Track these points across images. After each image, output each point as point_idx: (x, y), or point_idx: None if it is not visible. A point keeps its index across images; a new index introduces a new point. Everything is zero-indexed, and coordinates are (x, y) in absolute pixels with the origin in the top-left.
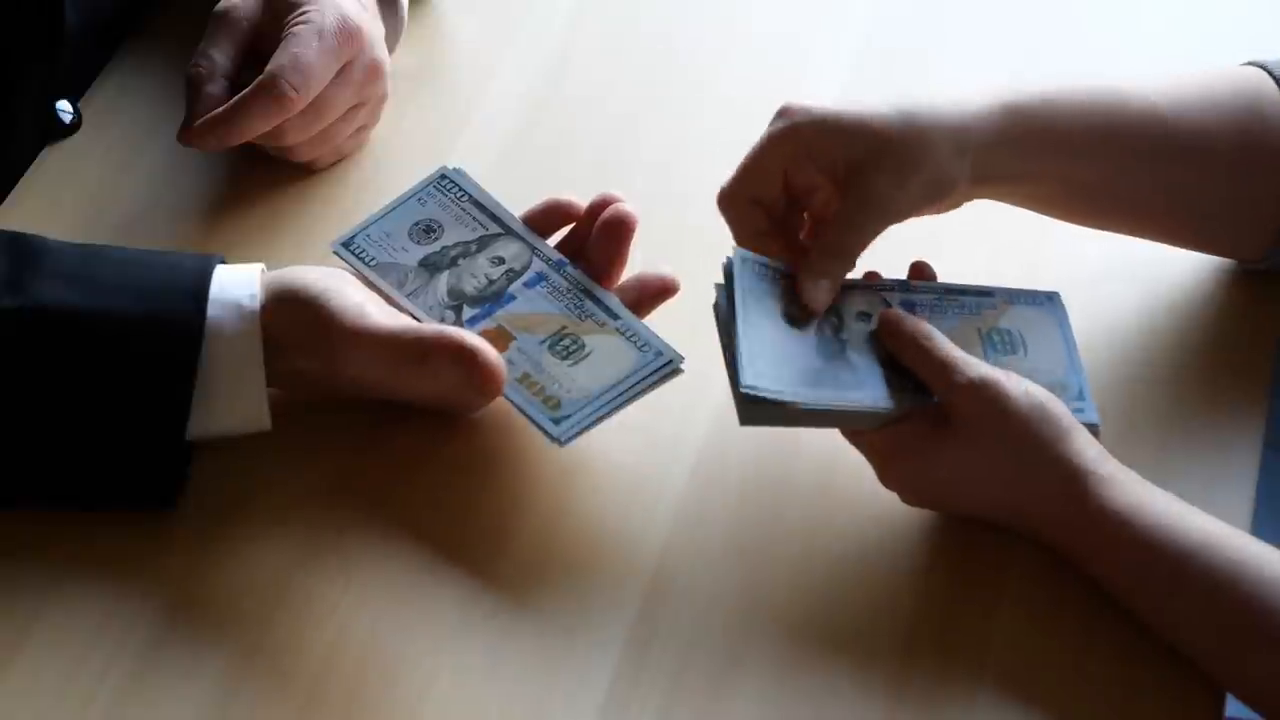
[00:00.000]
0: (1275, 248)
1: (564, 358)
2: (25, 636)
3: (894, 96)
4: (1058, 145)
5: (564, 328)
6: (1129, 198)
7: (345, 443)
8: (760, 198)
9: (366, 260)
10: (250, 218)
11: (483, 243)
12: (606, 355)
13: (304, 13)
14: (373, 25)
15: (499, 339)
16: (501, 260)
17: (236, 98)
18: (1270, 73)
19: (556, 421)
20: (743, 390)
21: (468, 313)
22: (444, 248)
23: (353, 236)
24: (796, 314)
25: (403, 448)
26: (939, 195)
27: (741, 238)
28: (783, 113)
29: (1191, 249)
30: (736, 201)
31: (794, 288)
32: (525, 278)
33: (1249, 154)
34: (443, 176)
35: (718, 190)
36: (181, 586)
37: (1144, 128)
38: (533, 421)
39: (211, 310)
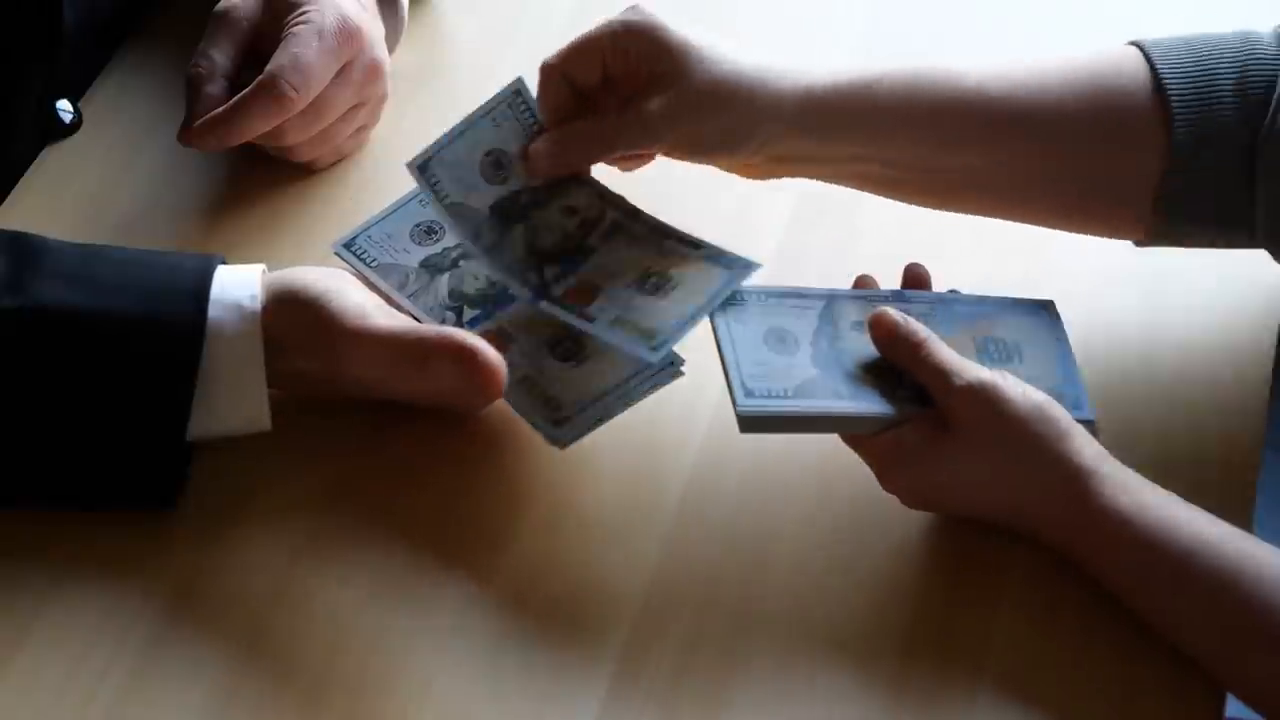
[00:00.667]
0: (1160, 225)
1: (564, 360)
2: (25, 636)
3: (738, 51)
4: (863, 127)
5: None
6: (968, 179)
7: (345, 443)
8: (576, 79)
9: (368, 261)
10: (250, 218)
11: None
12: (606, 358)
13: (304, 13)
14: (372, 25)
15: (498, 341)
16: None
17: (236, 98)
18: (1143, 50)
19: (556, 424)
20: (739, 411)
21: (468, 314)
22: (445, 249)
23: (354, 238)
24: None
25: (403, 448)
26: (711, 149)
27: (546, 111)
28: (632, 7)
29: (1070, 230)
30: (552, 76)
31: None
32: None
33: (1102, 130)
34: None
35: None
36: (181, 586)
37: (970, 107)
38: (532, 424)
39: (212, 311)
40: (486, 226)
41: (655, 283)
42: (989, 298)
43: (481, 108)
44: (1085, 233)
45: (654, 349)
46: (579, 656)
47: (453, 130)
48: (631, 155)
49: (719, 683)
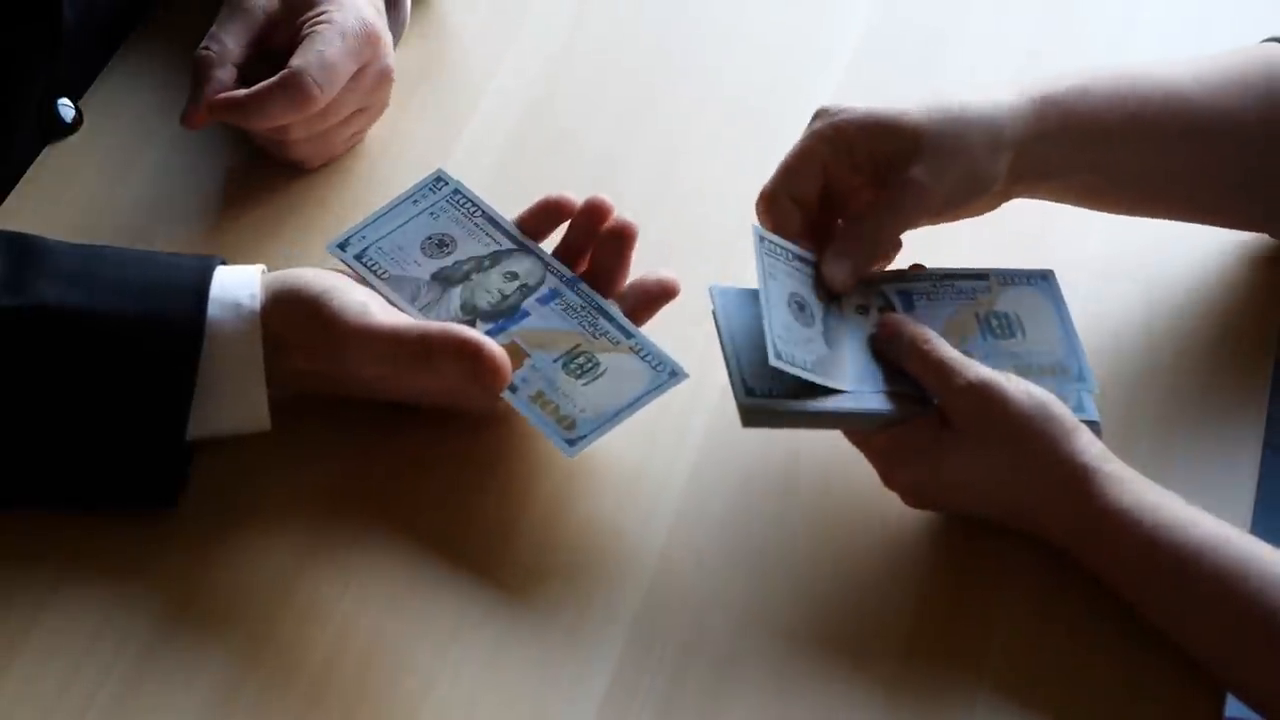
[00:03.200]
0: None
1: (578, 376)
2: (25, 637)
3: (928, 97)
4: (1094, 136)
5: (578, 345)
6: (1162, 182)
7: (345, 443)
8: (800, 196)
9: (378, 272)
10: (250, 218)
11: (496, 258)
12: (619, 373)
13: (324, 12)
14: (386, 32)
15: (513, 356)
16: (515, 275)
17: (258, 87)
18: None
19: (571, 442)
20: (741, 407)
21: (481, 327)
22: (457, 262)
23: (348, 238)
24: (807, 297)
25: (403, 448)
26: (976, 192)
27: (789, 235)
28: (821, 113)
29: (1220, 226)
30: (778, 200)
31: (801, 273)
32: (539, 294)
33: (1274, 129)
34: (439, 180)
35: (760, 190)
36: (181, 586)
37: (1173, 111)
38: (526, 413)
39: (212, 310)
40: (425, 289)
41: (581, 364)
42: (988, 270)
43: (408, 201)
44: (1233, 228)
45: (570, 443)
46: (579, 656)
47: (383, 219)
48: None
49: (718, 683)
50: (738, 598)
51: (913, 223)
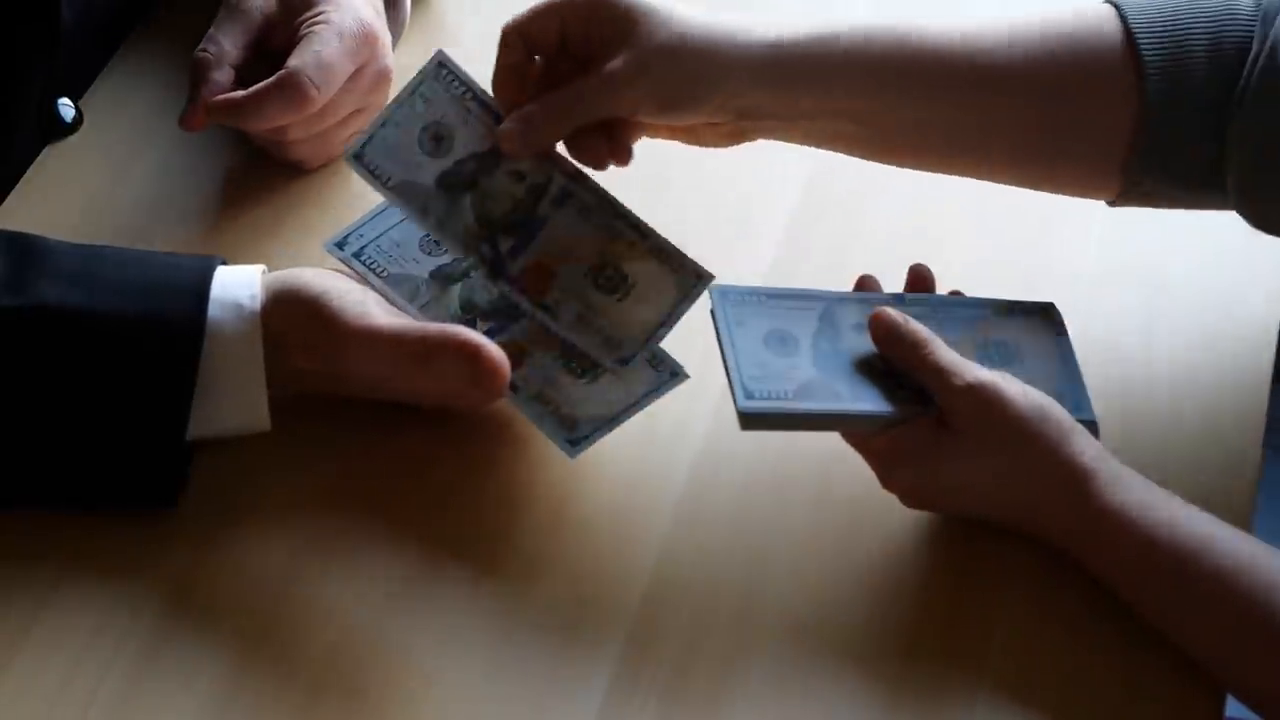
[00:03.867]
0: (1131, 182)
1: (580, 376)
2: (25, 637)
3: (709, 15)
4: (833, 83)
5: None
6: (928, 134)
7: (345, 443)
8: (535, 41)
9: (377, 271)
10: (250, 218)
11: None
12: (622, 374)
13: (321, 13)
14: (384, 32)
15: (513, 354)
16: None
17: (255, 88)
18: (1119, 9)
19: (573, 443)
20: (740, 410)
21: (481, 326)
22: (456, 259)
23: (346, 236)
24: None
25: (403, 448)
26: (678, 104)
27: (502, 72)
28: None
29: (1044, 189)
30: (511, 37)
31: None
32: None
33: (1072, 87)
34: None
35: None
36: (181, 586)
37: (932, 59)
38: (528, 413)
39: (212, 310)
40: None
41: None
42: (989, 300)
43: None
44: (1058, 192)
45: (573, 444)
46: (579, 656)
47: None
48: (612, 137)
49: (719, 683)
50: (738, 598)
51: (598, 112)
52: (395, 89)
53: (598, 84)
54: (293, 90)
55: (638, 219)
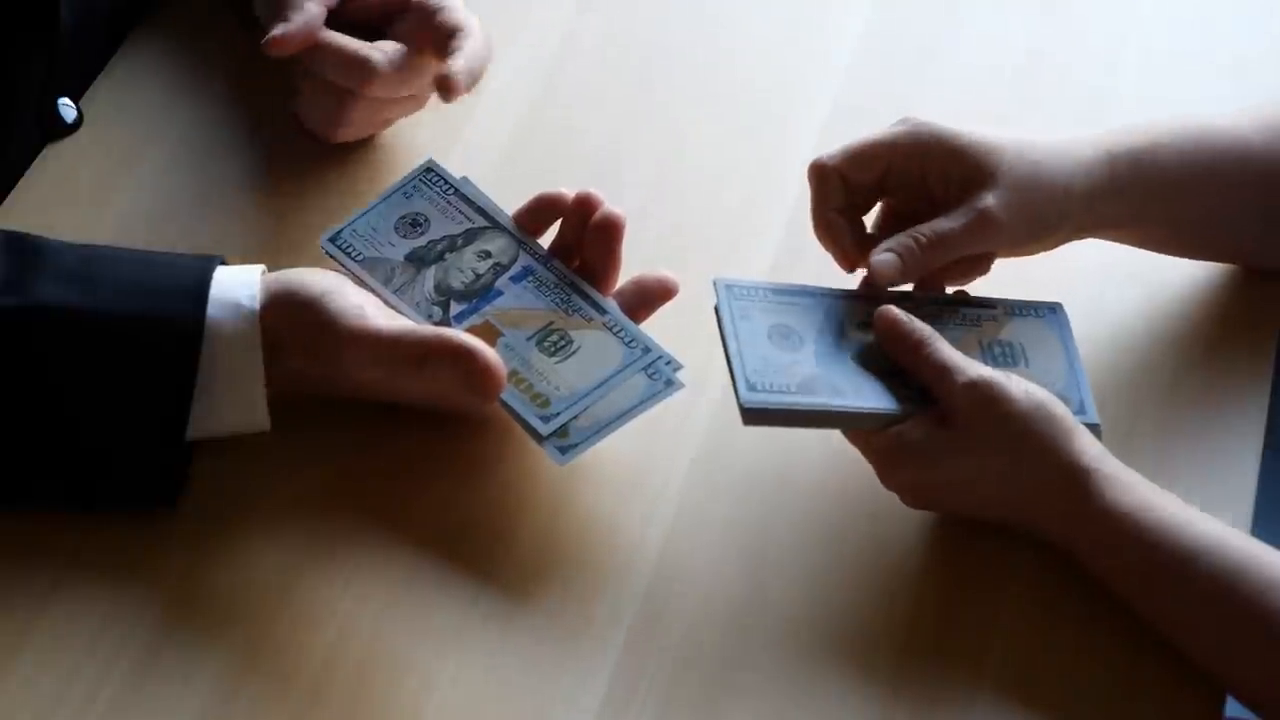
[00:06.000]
0: None
1: (552, 354)
2: (25, 637)
3: (1009, 133)
4: (1163, 190)
5: (551, 323)
6: (1228, 229)
7: (345, 444)
8: (853, 181)
9: (353, 255)
10: (250, 218)
11: (469, 236)
12: (594, 351)
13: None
14: None
15: (487, 335)
16: (488, 254)
17: (396, 54)
18: None
19: (545, 419)
20: (742, 404)
21: (455, 308)
22: (430, 242)
23: (339, 231)
24: (793, 324)
25: (402, 448)
26: (1039, 235)
27: (820, 209)
28: (905, 120)
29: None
30: (829, 174)
31: (781, 305)
32: (512, 272)
33: None
34: (428, 169)
35: (814, 159)
36: (181, 586)
37: (1237, 160)
38: (519, 419)
39: (211, 310)
40: (399, 270)
41: (555, 342)
42: (996, 299)
43: (392, 187)
44: None
45: (545, 420)
46: (579, 656)
47: (362, 210)
48: (964, 261)
49: (719, 683)
50: (738, 598)
51: (974, 249)
52: None
53: (979, 222)
54: (446, 90)
55: (601, 300)
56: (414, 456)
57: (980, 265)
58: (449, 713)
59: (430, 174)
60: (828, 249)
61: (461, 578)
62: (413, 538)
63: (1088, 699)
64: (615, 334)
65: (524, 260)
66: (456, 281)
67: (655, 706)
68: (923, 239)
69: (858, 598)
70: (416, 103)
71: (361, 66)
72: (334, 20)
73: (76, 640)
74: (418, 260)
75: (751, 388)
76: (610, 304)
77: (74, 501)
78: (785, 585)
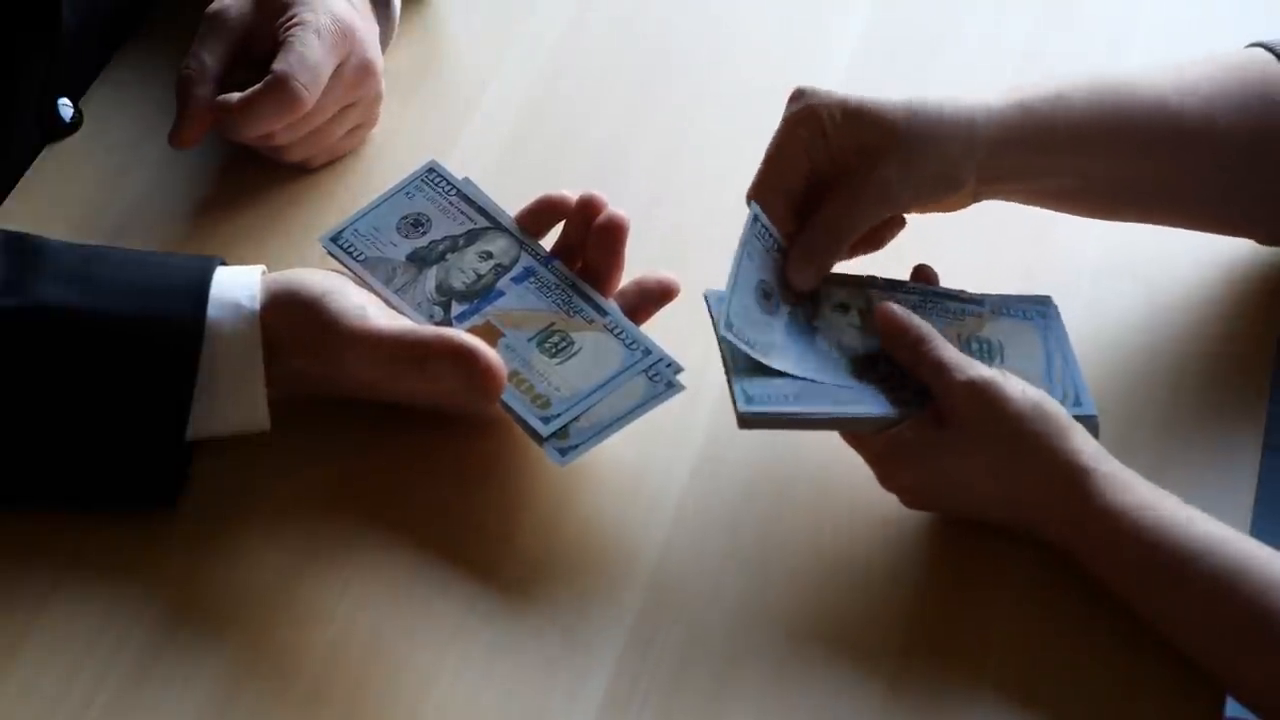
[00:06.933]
0: None
1: (552, 355)
2: (25, 637)
3: (910, 93)
4: (1069, 141)
5: (552, 324)
6: (1142, 189)
7: (345, 444)
8: (786, 187)
9: (355, 255)
10: (249, 218)
11: (470, 237)
12: (595, 353)
13: (295, 15)
14: (364, 25)
15: (487, 335)
16: (489, 255)
17: (246, 94)
18: (1276, 54)
19: (545, 420)
20: (740, 412)
21: (456, 309)
22: (432, 242)
23: (340, 230)
24: (775, 289)
25: (403, 448)
26: (944, 191)
27: (786, 228)
28: (796, 96)
29: (1211, 231)
30: (763, 195)
31: (777, 262)
32: (513, 273)
33: (1260, 138)
34: (430, 170)
35: (748, 188)
36: (181, 586)
37: (1153, 118)
38: (520, 420)
39: (211, 311)
40: (401, 270)
41: (556, 343)
42: (985, 296)
43: (394, 187)
44: (1233, 234)
45: (545, 421)
46: (579, 656)
47: (363, 208)
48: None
49: (719, 683)
50: (738, 598)
51: (875, 219)
52: (396, 88)
53: (876, 195)
54: (282, 93)
55: (602, 301)
56: (414, 457)
57: (892, 228)
58: (449, 713)
59: (432, 174)
60: None
61: (461, 578)
62: (413, 538)
63: (1088, 699)
64: (616, 336)
65: (525, 261)
66: (458, 282)
67: (655, 706)
68: (823, 229)
69: (857, 598)
70: (362, 106)
71: (279, 97)
72: (246, 65)
73: (76, 640)
74: (419, 260)
75: (749, 398)
76: (611, 306)
77: (74, 501)
78: (785, 585)
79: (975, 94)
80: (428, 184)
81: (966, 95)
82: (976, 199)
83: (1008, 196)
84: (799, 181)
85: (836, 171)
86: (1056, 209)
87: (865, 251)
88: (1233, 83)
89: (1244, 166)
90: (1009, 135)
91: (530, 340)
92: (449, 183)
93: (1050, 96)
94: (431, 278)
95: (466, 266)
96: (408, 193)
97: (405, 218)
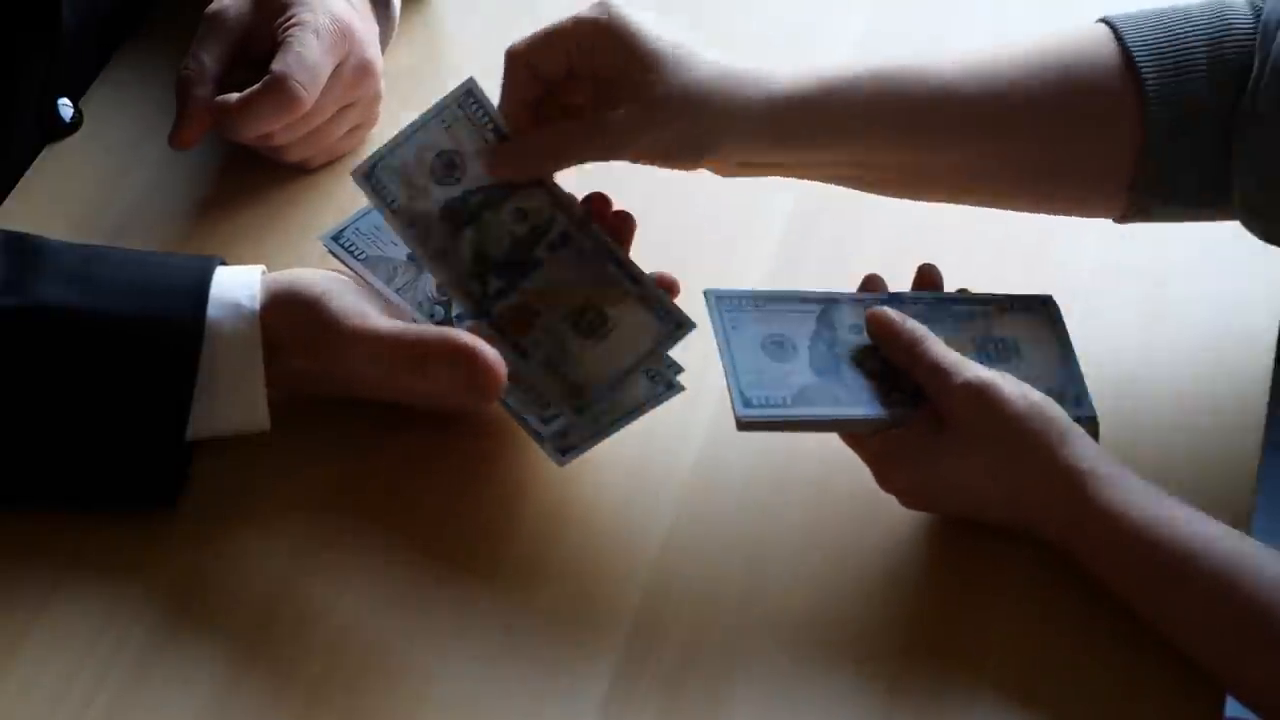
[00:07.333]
0: (1138, 201)
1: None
2: (25, 636)
3: (698, 49)
4: (833, 135)
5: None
6: (942, 175)
7: (345, 444)
8: (541, 69)
9: (355, 254)
10: (249, 218)
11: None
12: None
13: (294, 15)
14: (363, 24)
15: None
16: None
17: (245, 94)
18: (1114, 28)
19: (545, 421)
20: (738, 417)
21: (456, 308)
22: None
23: (342, 229)
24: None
25: (403, 448)
26: (682, 157)
27: (510, 101)
28: (600, 4)
29: (1056, 212)
30: (517, 63)
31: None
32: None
33: (1075, 116)
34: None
35: (508, 46)
36: (181, 586)
37: (940, 106)
38: (520, 420)
39: (211, 311)
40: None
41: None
42: (988, 295)
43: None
44: (1061, 214)
45: (546, 422)
46: (579, 656)
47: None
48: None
49: (719, 683)
50: (738, 598)
51: (597, 159)
52: (397, 89)
53: (598, 133)
54: (280, 93)
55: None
56: (414, 456)
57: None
58: (449, 712)
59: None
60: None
61: (462, 576)
62: (413, 537)
63: (1088, 699)
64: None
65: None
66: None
67: (655, 706)
68: (547, 138)
69: (857, 598)
70: (361, 106)
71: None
72: (245, 65)
73: (76, 639)
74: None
75: (747, 403)
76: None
77: (74, 501)
78: (785, 586)
79: (760, 73)
80: (464, 110)
81: (755, 74)
82: (739, 175)
83: (778, 175)
84: (555, 74)
85: (590, 83)
86: (852, 188)
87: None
88: (1050, 62)
89: (1058, 143)
90: (761, 130)
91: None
92: (486, 114)
93: (826, 86)
94: (429, 280)
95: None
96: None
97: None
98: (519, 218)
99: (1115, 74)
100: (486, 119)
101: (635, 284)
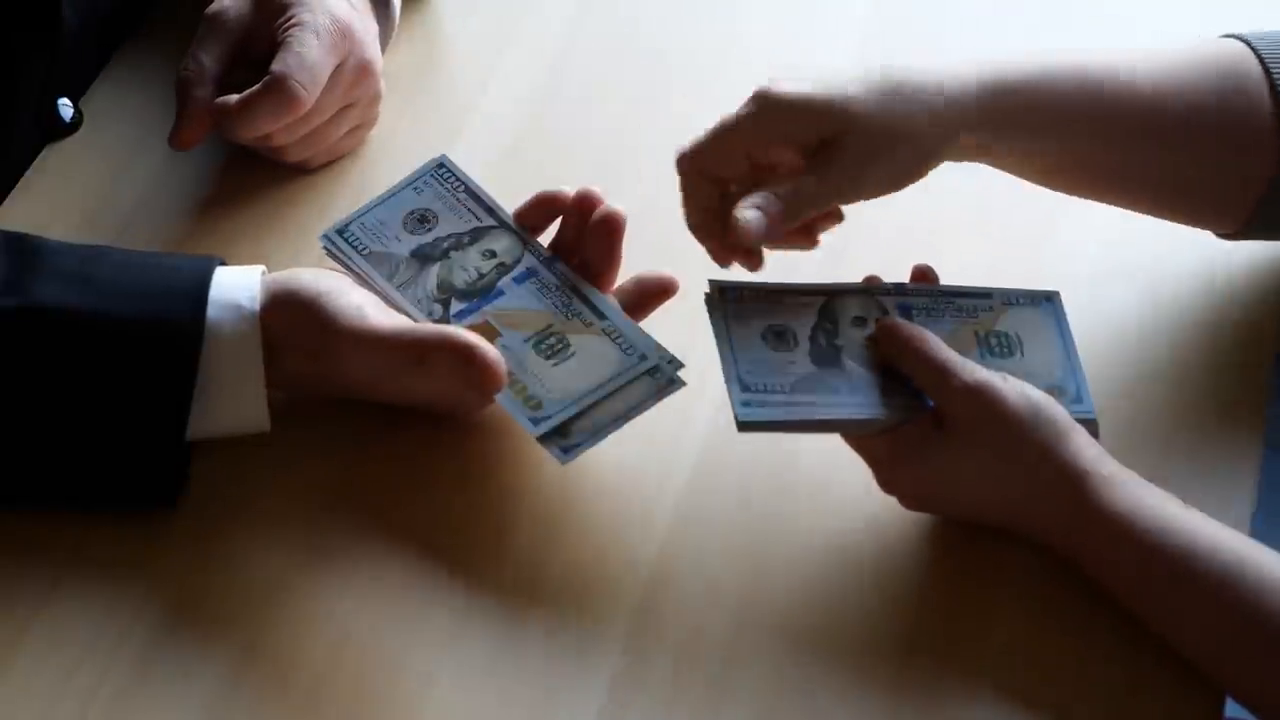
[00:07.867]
0: (1253, 222)
1: (548, 357)
2: (25, 636)
3: (876, 72)
4: (1039, 126)
5: (550, 326)
6: (1114, 174)
7: (345, 444)
8: (717, 175)
9: (359, 249)
10: (249, 218)
11: (475, 234)
12: (590, 357)
13: (294, 15)
14: (363, 24)
15: (485, 335)
16: (493, 253)
17: (245, 94)
18: (1250, 46)
19: (535, 421)
20: (737, 415)
21: (455, 306)
22: (437, 239)
23: (346, 225)
24: (789, 323)
25: (403, 448)
26: (910, 176)
27: (689, 207)
28: (756, 96)
29: (1173, 220)
30: (690, 172)
31: (776, 305)
32: (515, 273)
33: (1231, 131)
34: (440, 165)
35: (676, 152)
36: (181, 586)
37: (1126, 106)
38: (538, 439)
39: (211, 311)
40: (404, 266)
41: (551, 345)
42: (993, 290)
43: (401, 183)
44: (1169, 220)
45: (535, 423)
46: (579, 656)
47: (370, 203)
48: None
49: (719, 683)
50: (737, 598)
51: (837, 203)
52: (396, 89)
53: (838, 184)
54: (280, 93)
55: (602, 303)
56: (414, 456)
57: (830, 220)
58: (449, 713)
59: (442, 170)
60: (703, 245)
61: (461, 578)
62: (413, 538)
63: (1088, 699)
64: (613, 340)
65: (528, 261)
66: (459, 279)
67: (655, 707)
68: (786, 200)
69: (857, 599)
70: (361, 107)
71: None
72: (245, 65)
73: (77, 639)
74: (423, 257)
75: (746, 403)
76: (611, 308)
77: (74, 501)
78: (785, 586)
79: (942, 68)
80: (436, 179)
81: (934, 71)
82: (938, 165)
83: (973, 160)
84: (732, 175)
85: (794, 160)
86: (1025, 179)
87: (797, 245)
88: (1208, 74)
89: (1213, 159)
90: (979, 120)
91: (526, 341)
92: (457, 179)
93: (1023, 80)
94: (433, 275)
95: (469, 264)
96: (416, 188)
97: (412, 213)
98: (487, 256)
99: (1261, 98)
100: (460, 186)
101: (600, 318)
